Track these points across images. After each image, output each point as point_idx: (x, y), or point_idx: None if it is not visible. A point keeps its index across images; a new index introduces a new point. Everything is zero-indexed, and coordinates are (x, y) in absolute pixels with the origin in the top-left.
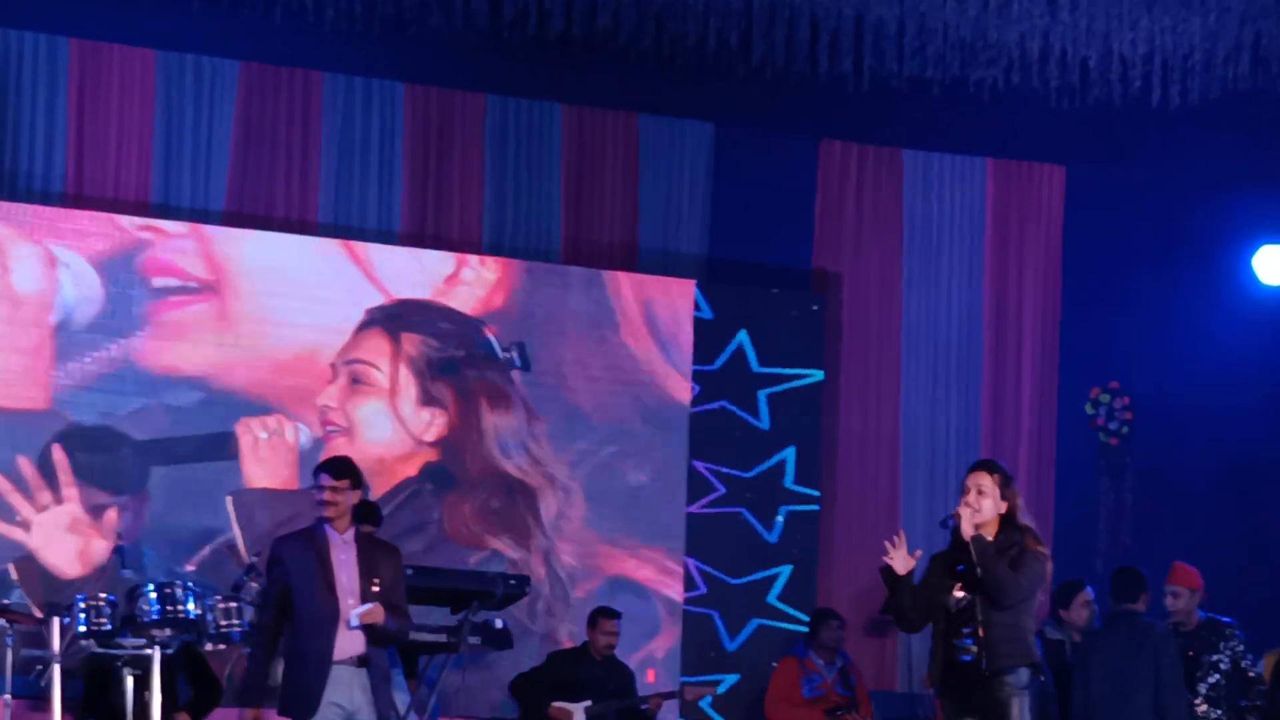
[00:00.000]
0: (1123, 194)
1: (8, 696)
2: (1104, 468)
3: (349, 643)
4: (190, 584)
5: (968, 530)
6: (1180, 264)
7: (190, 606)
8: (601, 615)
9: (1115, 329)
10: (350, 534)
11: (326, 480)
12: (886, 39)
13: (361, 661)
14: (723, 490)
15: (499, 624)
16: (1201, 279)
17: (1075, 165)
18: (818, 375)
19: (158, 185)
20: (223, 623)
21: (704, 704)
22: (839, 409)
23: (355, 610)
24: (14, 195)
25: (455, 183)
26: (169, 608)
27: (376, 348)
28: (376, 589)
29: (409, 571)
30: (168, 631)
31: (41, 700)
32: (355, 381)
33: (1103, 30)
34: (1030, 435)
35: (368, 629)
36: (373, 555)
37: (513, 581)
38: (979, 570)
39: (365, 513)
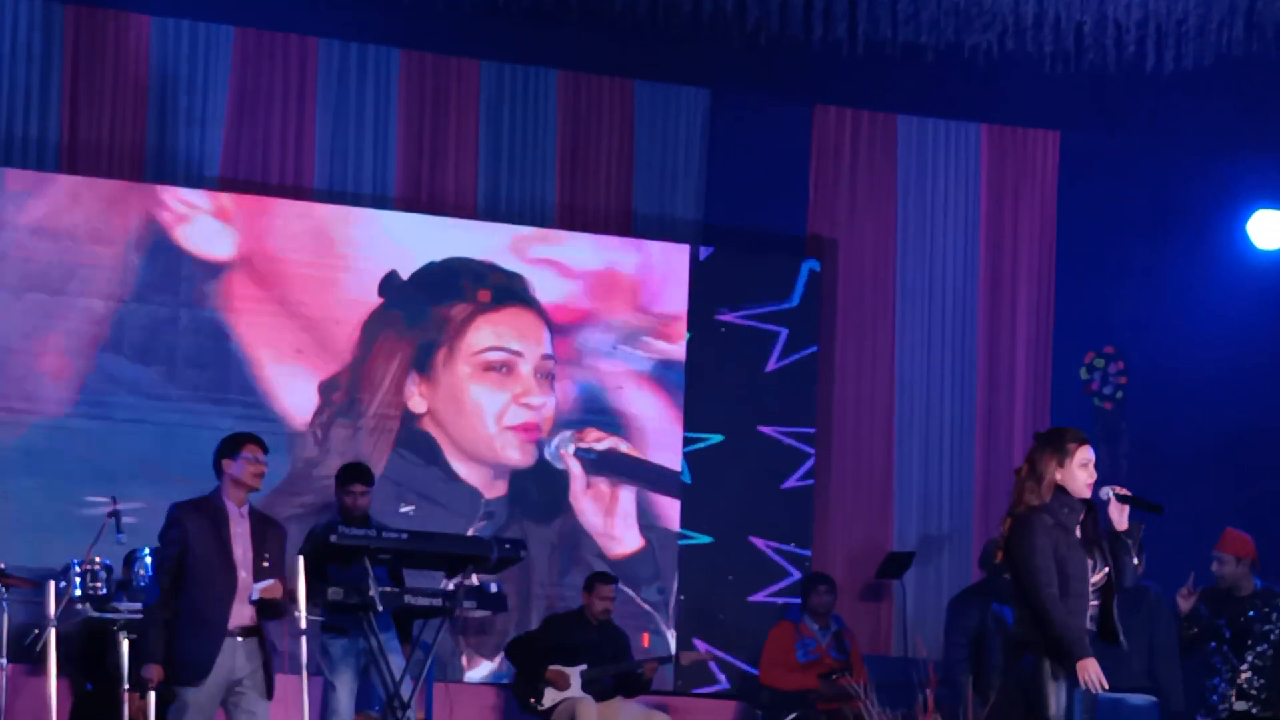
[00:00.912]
0: (1117, 159)
1: (4, 661)
2: (1099, 433)
3: (241, 614)
4: None
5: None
6: (1175, 229)
7: None
8: (598, 580)
9: (1110, 294)
10: (246, 508)
11: (260, 454)
12: (881, 5)
13: (251, 632)
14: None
15: (494, 588)
16: (1196, 244)
17: (1070, 131)
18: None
19: (152, 150)
20: None
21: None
22: (834, 375)
23: (257, 585)
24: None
25: (450, 148)
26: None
27: None
28: (267, 564)
29: (404, 536)
30: None
31: (37, 665)
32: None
33: None
34: (1025, 400)
35: (262, 603)
36: (265, 531)
37: (508, 545)
38: (1134, 557)
39: (358, 474)
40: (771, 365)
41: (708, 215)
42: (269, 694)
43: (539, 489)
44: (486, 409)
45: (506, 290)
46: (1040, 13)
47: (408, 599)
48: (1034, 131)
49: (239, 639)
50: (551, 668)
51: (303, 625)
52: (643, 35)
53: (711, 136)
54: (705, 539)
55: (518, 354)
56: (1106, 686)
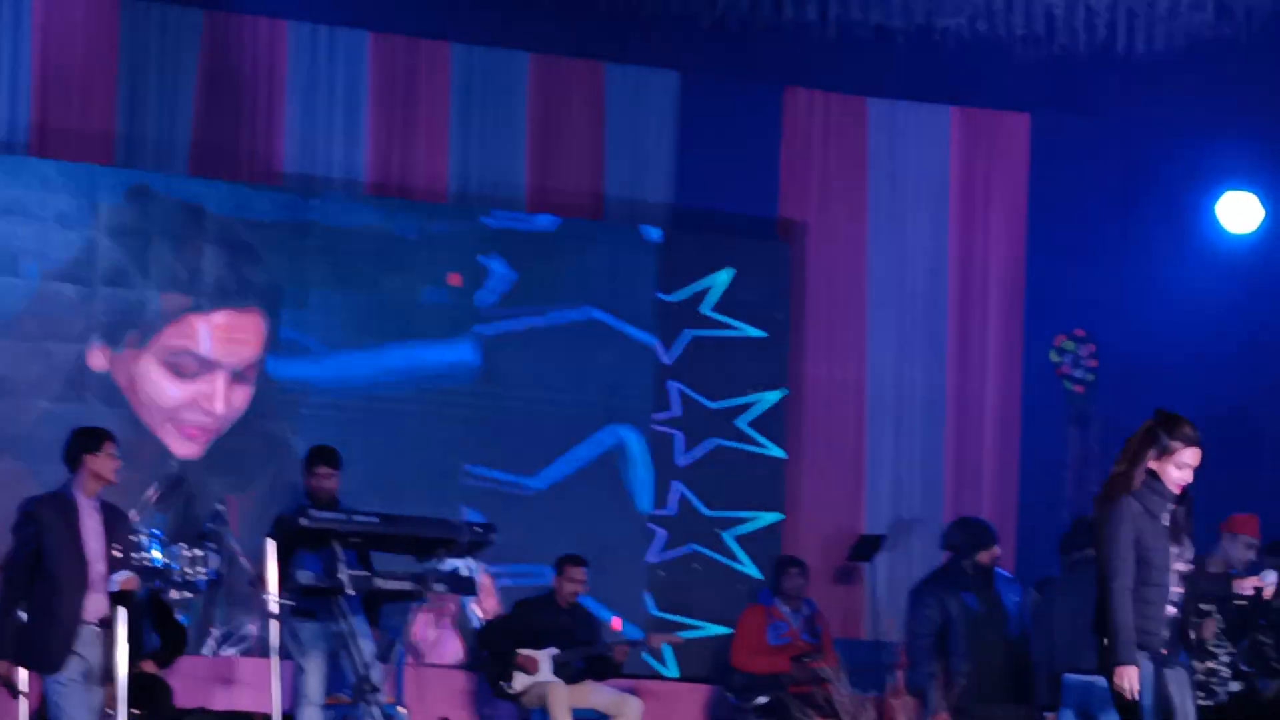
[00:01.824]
0: (1088, 142)
1: None
2: (1070, 415)
3: (97, 605)
4: (155, 531)
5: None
6: (1145, 211)
7: (155, 554)
8: (568, 562)
9: (1080, 277)
10: (96, 500)
11: (116, 451)
12: None
13: (105, 623)
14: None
15: (465, 571)
16: (1166, 226)
17: (1040, 113)
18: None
19: (121, 134)
20: (188, 571)
21: (667, 650)
22: (805, 357)
23: (115, 576)
24: None
25: (421, 131)
26: (133, 555)
27: None
28: (118, 554)
29: (375, 519)
30: None
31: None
32: None
33: None
34: (996, 383)
35: (119, 594)
36: (114, 522)
37: (478, 529)
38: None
39: (323, 456)
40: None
41: (678, 198)
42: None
43: None
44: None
45: None
46: None
47: (377, 582)
48: (1004, 114)
49: (98, 629)
50: (521, 651)
51: (273, 609)
52: (613, 18)
53: (682, 119)
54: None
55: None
56: (1137, 695)
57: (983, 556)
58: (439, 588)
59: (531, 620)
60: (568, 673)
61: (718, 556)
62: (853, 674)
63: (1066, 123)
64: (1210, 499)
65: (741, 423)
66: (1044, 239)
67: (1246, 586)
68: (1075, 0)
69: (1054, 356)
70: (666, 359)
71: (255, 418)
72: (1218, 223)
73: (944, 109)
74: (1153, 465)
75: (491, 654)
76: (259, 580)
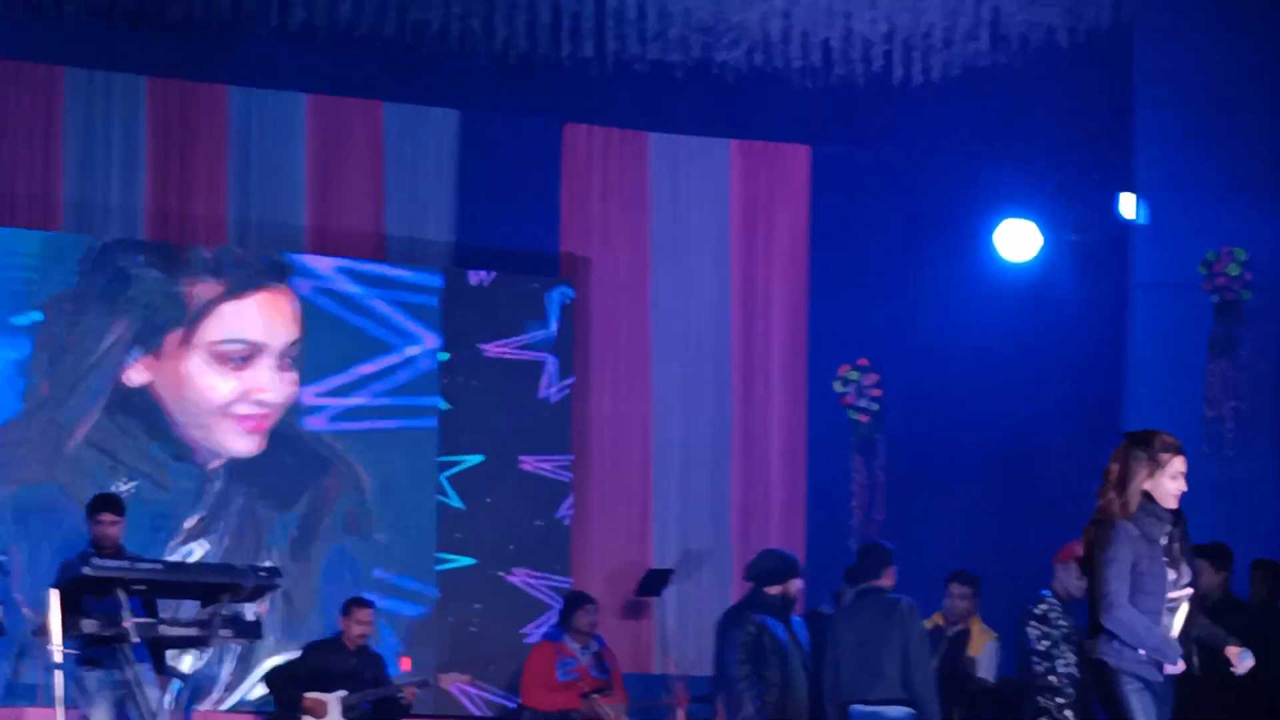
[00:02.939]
0: (867, 172)
1: None
2: (855, 444)
3: None
4: None
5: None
6: (925, 241)
7: None
8: (355, 604)
9: (863, 307)
10: None
11: None
12: (627, 22)
13: None
14: None
15: (250, 616)
16: (946, 255)
17: (820, 145)
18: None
19: None
20: None
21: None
22: (590, 393)
23: None
24: None
25: (200, 175)
26: None
27: None
28: None
29: (159, 566)
30: None
31: None
32: None
33: (842, 10)
34: (781, 414)
35: None
36: None
37: (263, 573)
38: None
39: (107, 503)
40: (541, 394)
41: (460, 236)
42: None
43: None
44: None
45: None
46: (787, 29)
47: (162, 629)
48: (784, 146)
49: None
50: (308, 695)
51: (57, 658)
52: (390, 56)
53: (462, 157)
54: (468, 560)
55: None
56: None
57: (783, 588)
58: (224, 633)
59: (319, 663)
60: (355, 715)
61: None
62: (640, 710)
63: (846, 154)
64: (996, 524)
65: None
66: (826, 270)
67: (1174, 670)
68: (851, 32)
69: (838, 387)
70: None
71: None
72: (996, 251)
73: (724, 142)
74: (1147, 486)
75: (280, 698)
76: (42, 630)
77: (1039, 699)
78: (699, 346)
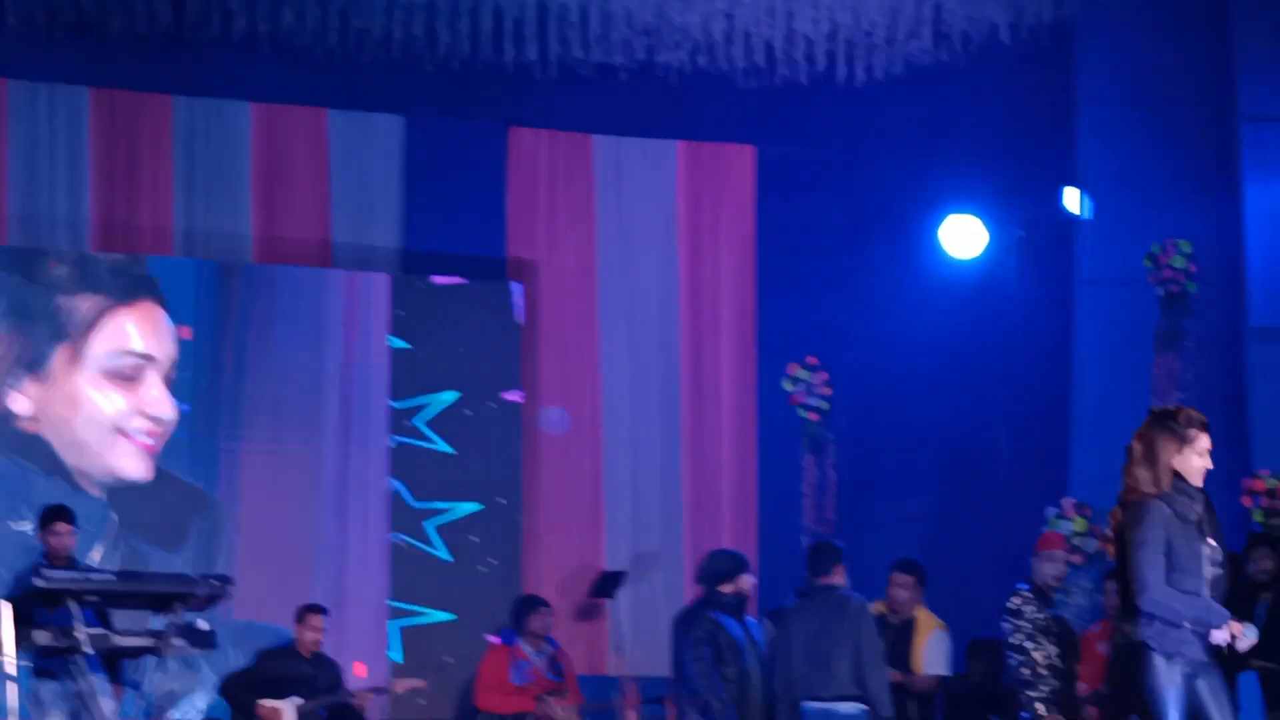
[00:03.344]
0: (813, 171)
1: None
2: (805, 443)
3: None
4: None
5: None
6: (871, 238)
7: None
8: (309, 611)
9: (811, 305)
10: None
11: None
12: (570, 26)
13: None
14: None
15: (203, 625)
16: (892, 253)
17: (765, 145)
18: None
19: None
20: None
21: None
22: (539, 396)
23: None
24: None
25: (145, 185)
26: None
27: None
28: None
29: (111, 577)
30: None
31: None
32: None
33: (785, 10)
34: (731, 414)
35: None
36: None
37: (215, 582)
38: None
39: (60, 514)
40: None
41: (407, 242)
42: None
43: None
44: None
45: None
46: (730, 30)
47: (115, 640)
48: (730, 146)
49: None
50: (263, 702)
51: (11, 671)
52: (334, 64)
53: (408, 163)
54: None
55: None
56: (1238, 638)
57: (735, 585)
58: (178, 643)
59: (274, 670)
60: None
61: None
62: (594, 712)
63: (791, 153)
64: (946, 520)
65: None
66: (773, 269)
67: (1222, 636)
68: (794, 32)
69: (787, 385)
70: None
71: None
72: (942, 248)
73: (669, 144)
74: (1176, 464)
75: (235, 706)
76: None
77: (1018, 692)
78: (647, 348)
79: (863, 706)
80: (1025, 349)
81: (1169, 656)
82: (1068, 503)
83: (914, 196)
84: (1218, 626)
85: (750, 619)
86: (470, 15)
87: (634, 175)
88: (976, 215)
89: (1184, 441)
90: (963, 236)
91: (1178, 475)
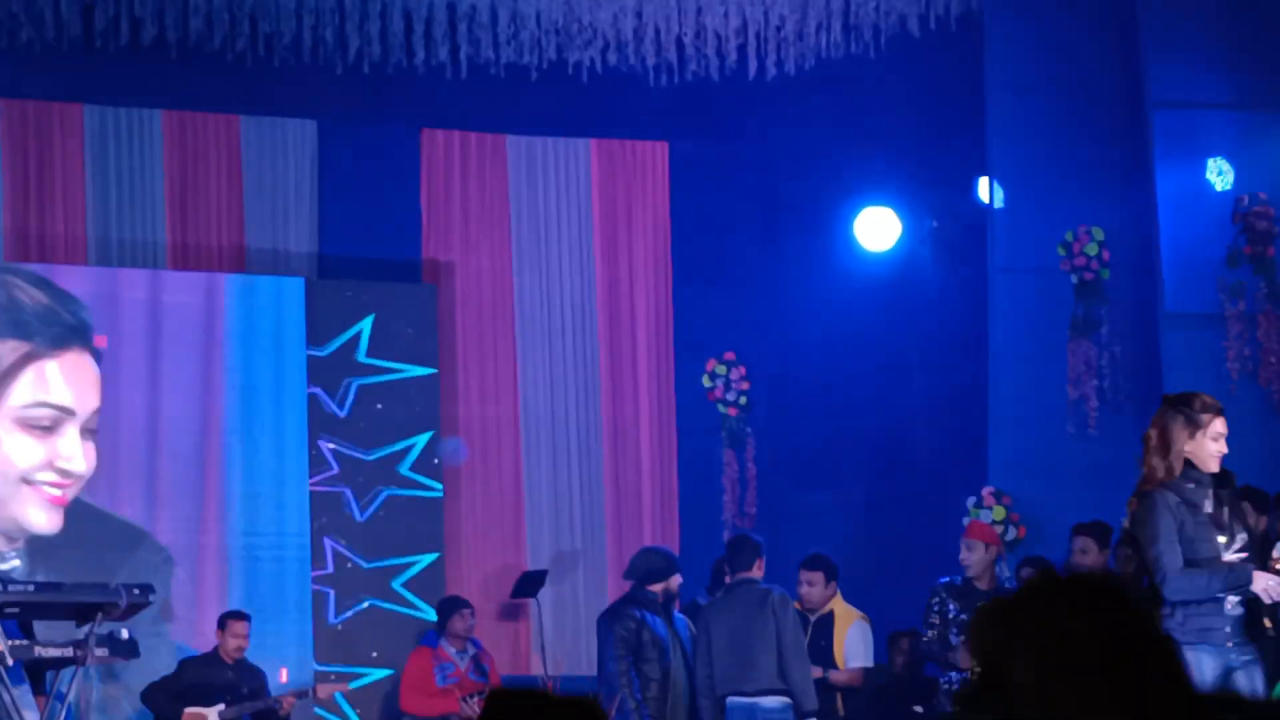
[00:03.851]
0: (726, 167)
1: None
2: (725, 438)
3: None
4: None
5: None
6: (786, 233)
7: None
8: (231, 618)
9: (728, 301)
10: None
11: None
12: (480, 26)
13: None
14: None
15: (125, 634)
16: (807, 246)
17: (678, 141)
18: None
19: None
20: None
21: (339, 699)
22: (457, 398)
23: None
24: None
25: (58, 194)
26: None
27: None
28: None
29: (31, 588)
30: None
31: None
32: None
33: (694, 6)
34: (650, 411)
35: None
36: None
37: (136, 591)
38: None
39: None
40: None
41: (323, 246)
42: None
43: None
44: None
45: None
46: (640, 27)
47: (38, 651)
48: (643, 143)
49: None
50: (188, 710)
51: None
52: (244, 70)
53: (321, 167)
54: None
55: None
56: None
57: (665, 585)
58: (100, 652)
59: (197, 678)
60: None
61: (392, 606)
62: None
63: (706, 148)
64: (868, 512)
65: (404, 469)
66: (690, 265)
67: (1261, 584)
68: (704, 28)
69: (706, 381)
70: (340, 412)
71: None
72: (857, 241)
73: (583, 142)
74: (1188, 450)
75: (158, 715)
76: None
77: (937, 683)
78: (565, 347)
79: (787, 700)
80: (941, 339)
81: (1196, 647)
82: (986, 491)
83: (828, 189)
84: (1246, 581)
85: (678, 616)
86: (380, 18)
87: (548, 174)
88: (890, 207)
89: (1197, 426)
90: (877, 228)
91: (1188, 463)
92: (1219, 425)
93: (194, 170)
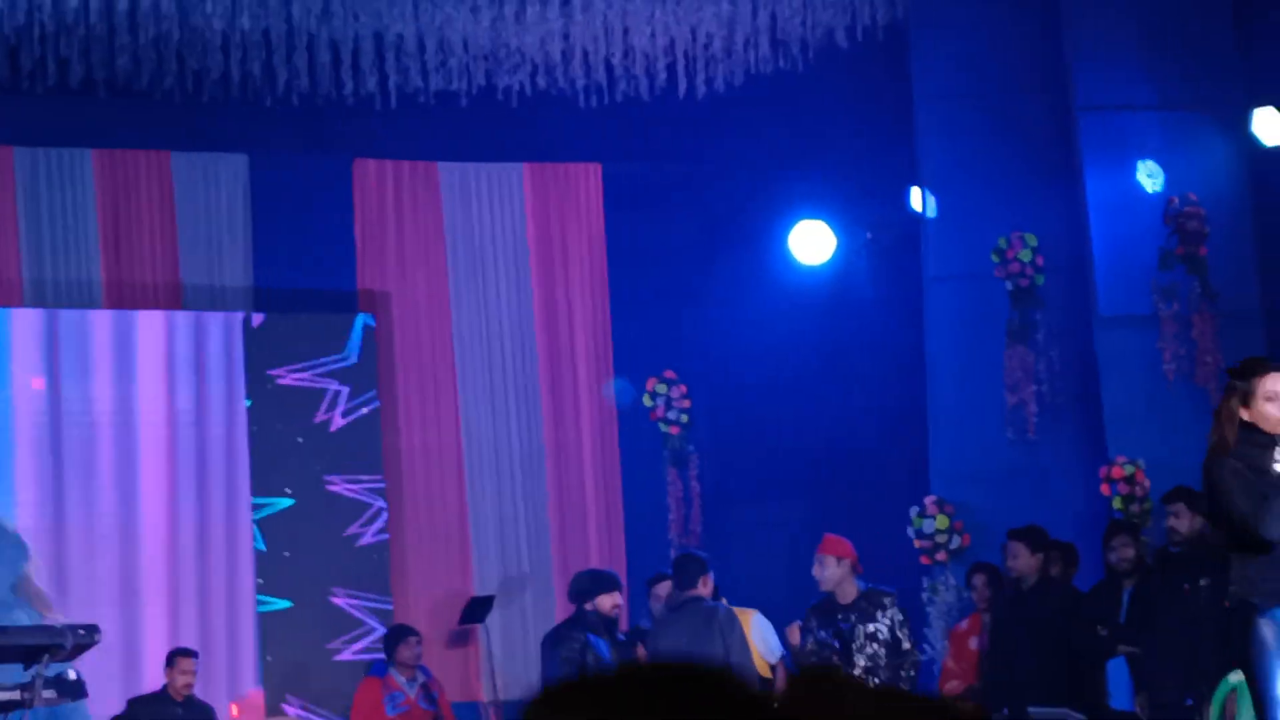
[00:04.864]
0: (660, 186)
1: None
2: (668, 457)
3: None
4: None
5: None
6: (721, 250)
7: None
8: (179, 655)
9: (665, 319)
10: None
11: None
12: (408, 55)
13: None
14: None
15: (72, 675)
16: (742, 262)
17: (610, 162)
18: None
19: None
20: None
21: None
22: (399, 426)
23: None
24: None
25: None
26: None
27: None
28: None
29: None
30: None
31: None
32: None
33: (621, 27)
34: (592, 433)
35: None
36: None
37: (82, 631)
38: None
39: None
40: (336, 422)
41: (257, 280)
42: None
43: None
44: None
45: None
46: (568, 49)
47: None
48: (575, 166)
49: None
50: None
51: None
52: (173, 106)
53: (254, 201)
54: (284, 604)
55: None
56: None
57: (604, 602)
58: (48, 694)
59: (146, 716)
60: None
61: None
62: None
63: (637, 169)
64: (812, 525)
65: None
66: (626, 285)
67: None
68: (632, 48)
69: (647, 401)
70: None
71: None
72: (792, 255)
73: (515, 166)
74: (1246, 417)
75: None
76: None
77: None
78: (505, 371)
79: None
80: (880, 350)
81: (1272, 613)
82: (929, 501)
83: (761, 205)
84: None
85: (622, 636)
86: (307, 50)
87: (481, 200)
88: (825, 220)
89: (1248, 393)
90: (812, 242)
91: (1246, 427)
92: (1270, 382)
93: (127, 208)
